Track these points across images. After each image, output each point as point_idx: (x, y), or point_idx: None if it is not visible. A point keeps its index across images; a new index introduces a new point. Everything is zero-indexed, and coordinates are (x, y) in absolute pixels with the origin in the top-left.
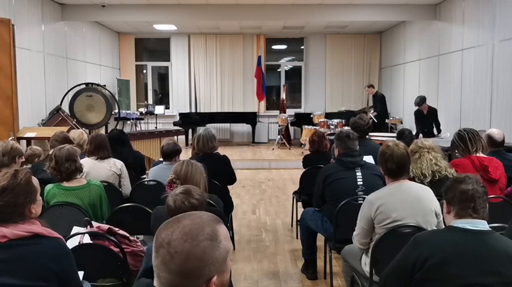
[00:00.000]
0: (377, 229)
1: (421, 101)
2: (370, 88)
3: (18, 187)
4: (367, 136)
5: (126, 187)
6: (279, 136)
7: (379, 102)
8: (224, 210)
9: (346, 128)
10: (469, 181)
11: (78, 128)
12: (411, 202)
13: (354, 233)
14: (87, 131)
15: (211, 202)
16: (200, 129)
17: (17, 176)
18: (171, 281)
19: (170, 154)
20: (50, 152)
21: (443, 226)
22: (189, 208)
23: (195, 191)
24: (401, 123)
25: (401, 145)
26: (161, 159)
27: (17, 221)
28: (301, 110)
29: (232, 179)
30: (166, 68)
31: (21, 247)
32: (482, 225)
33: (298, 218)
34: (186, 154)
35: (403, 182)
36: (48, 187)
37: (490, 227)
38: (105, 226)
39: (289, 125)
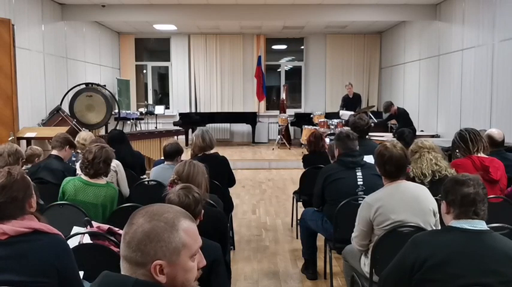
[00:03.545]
0: (376, 231)
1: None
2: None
3: (15, 182)
4: (367, 136)
5: (123, 187)
6: (279, 136)
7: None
8: (224, 210)
9: (346, 128)
10: (470, 183)
11: (78, 128)
12: (410, 202)
13: (353, 235)
14: (87, 131)
15: (211, 202)
16: (198, 130)
17: (11, 173)
18: (123, 252)
19: (172, 153)
20: (91, 146)
21: (440, 225)
22: (192, 201)
23: (193, 187)
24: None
25: (399, 145)
26: (162, 158)
27: (18, 217)
28: (301, 110)
29: (232, 181)
30: (166, 68)
31: (21, 243)
32: (480, 225)
33: (298, 218)
34: (186, 154)
35: (400, 182)
36: (68, 179)
37: (490, 227)
38: (105, 226)
39: (289, 125)
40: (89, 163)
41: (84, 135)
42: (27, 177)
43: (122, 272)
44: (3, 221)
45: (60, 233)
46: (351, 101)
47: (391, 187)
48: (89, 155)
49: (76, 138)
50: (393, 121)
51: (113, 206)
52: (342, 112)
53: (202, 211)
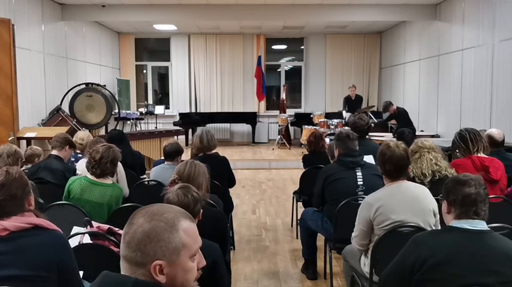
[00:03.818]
0: (376, 231)
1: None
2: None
3: (14, 181)
4: (367, 136)
5: (123, 188)
6: (279, 136)
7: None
8: (224, 210)
9: (346, 128)
10: (471, 183)
11: (78, 129)
12: (410, 203)
13: (353, 234)
14: (87, 131)
15: (211, 202)
16: (198, 130)
17: (9, 172)
18: (123, 251)
19: (172, 153)
20: (98, 146)
21: (440, 225)
22: (191, 201)
23: (191, 187)
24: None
25: (402, 146)
26: (162, 158)
27: (18, 214)
28: (301, 110)
29: (232, 181)
30: (166, 68)
31: (22, 238)
32: (481, 225)
33: (298, 218)
34: (186, 154)
35: (401, 182)
36: (74, 178)
37: (489, 227)
38: (105, 226)
39: (289, 125)
40: (96, 162)
41: (81, 134)
42: (25, 176)
43: (122, 272)
44: (3, 218)
45: (59, 229)
46: (353, 103)
47: (391, 186)
48: (96, 155)
49: (73, 138)
50: (393, 121)
51: (117, 206)
52: (345, 114)
53: (201, 210)
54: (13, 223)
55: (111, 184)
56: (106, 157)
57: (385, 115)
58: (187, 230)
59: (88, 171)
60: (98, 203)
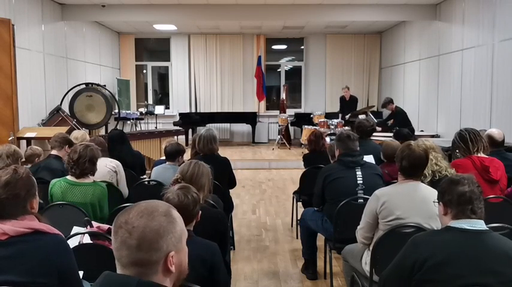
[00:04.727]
0: (380, 225)
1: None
2: (345, 89)
3: (20, 180)
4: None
5: (122, 188)
6: (279, 136)
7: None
8: (224, 210)
9: (346, 128)
10: (465, 182)
11: (78, 129)
12: (416, 203)
13: (358, 227)
14: (87, 131)
15: (211, 202)
16: (202, 129)
17: (17, 171)
18: (131, 257)
19: (173, 154)
20: (76, 146)
21: None
22: (191, 202)
23: (191, 187)
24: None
25: (423, 147)
26: (162, 158)
27: (19, 216)
28: (301, 110)
29: (232, 183)
30: (166, 68)
31: (21, 243)
32: (480, 225)
33: (298, 218)
34: (186, 154)
35: (414, 183)
36: (54, 181)
37: (489, 227)
38: (105, 226)
39: (289, 125)
40: (74, 163)
41: (76, 134)
42: (33, 177)
43: None
44: (3, 220)
45: (60, 233)
46: (347, 104)
47: (402, 185)
48: (74, 155)
49: None
50: (392, 121)
51: (102, 203)
52: (340, 119)
53: (200, 212)
54: (13, 227)
55: (92, 183)
56: (84, 156)
57: (385, 112)
58: (180, 217)
59: (68, 172)
60: (81, 203)
